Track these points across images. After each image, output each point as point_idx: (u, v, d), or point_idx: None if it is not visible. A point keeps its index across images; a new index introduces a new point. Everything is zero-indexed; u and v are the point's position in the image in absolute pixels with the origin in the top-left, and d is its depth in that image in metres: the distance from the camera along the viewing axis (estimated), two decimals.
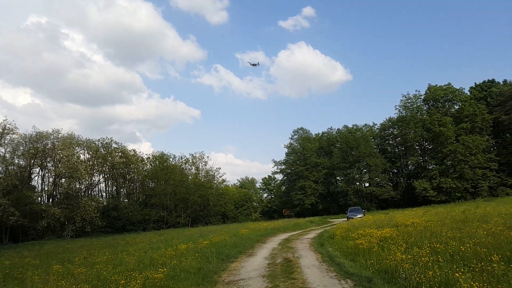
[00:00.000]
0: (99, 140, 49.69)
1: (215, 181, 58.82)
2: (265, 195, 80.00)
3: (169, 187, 50.12)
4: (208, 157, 66.35)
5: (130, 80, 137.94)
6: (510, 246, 6.82)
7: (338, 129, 61.27)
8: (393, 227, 12.28)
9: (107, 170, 49.92)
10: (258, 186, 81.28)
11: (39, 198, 41.22)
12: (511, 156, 45.17)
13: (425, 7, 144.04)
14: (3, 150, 36.58)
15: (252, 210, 70.13)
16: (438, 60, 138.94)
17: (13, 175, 35.90)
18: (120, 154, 49.60)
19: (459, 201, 40.75)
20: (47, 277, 8.14)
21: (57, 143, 39.89)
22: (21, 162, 39.06)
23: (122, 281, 6.74)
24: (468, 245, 7.11)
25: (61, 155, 38.67)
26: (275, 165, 63.78)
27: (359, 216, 26.72)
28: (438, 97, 50.37)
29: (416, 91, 52.14)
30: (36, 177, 42.52)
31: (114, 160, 47.39)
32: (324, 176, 56.25)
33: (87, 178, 43.73)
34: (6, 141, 36.30)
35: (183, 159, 58.28)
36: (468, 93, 51.87)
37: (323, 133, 64.17)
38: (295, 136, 62.39)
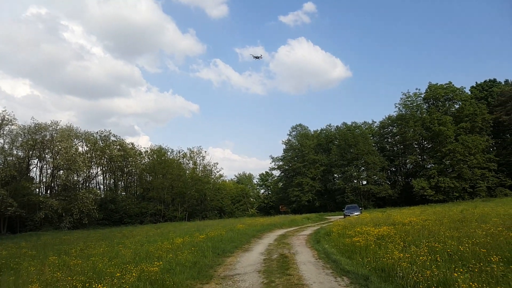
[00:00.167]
0: (97, 132, 49.54)
1: (213, 176, 58.82)
2: (262, 191, 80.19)
3: (166, 181, 50.12)
4: (205, 151, 66.25)
5: (129, 73, 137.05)
6: (509, 247, 6.77)
7: (337, 126, 61.20)
8: (390, 225, 12.25)
9: (105, 162, 49.82)
10: (255, 182, 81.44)
11: (37, 190, 41.19)
12: (511, 156, 45.22)
13: (427, 5, 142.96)
14: (1, 141, 36.53)
15: (249, 205, 70.32)
16: (439, 58, 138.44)
17: (11, 166, 35.82)
18: (118, 147, 49.45)
19: (457, 201, 40.88)
20: (42, 268, 8.08)
21: (55, 135, 39.72)
22: (20, 153, 38.96)
23: (118, 274, 6.68)
24: (466, 245, 7.06)
25: (60, 147, 38.51)
26: (272, 161, 63.89)
27: (356, 213, 26.75)
28: (438, 96, 50.19)
29: (416, 89, 52.13)
30: (34, 169, 42.53)
31: (112, 153, 47.26)
32: (322, 173, 56.29)
33: (85, 170, 43.65)
34: (4, 132, 36.21)
35: (181, 154, 58.22)
36: (469, 93, 51.71)
37: (321, 130, 64.10)
38: (293, 133, 62.35)
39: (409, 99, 51.60)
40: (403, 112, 51.49)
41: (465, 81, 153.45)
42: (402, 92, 60.51)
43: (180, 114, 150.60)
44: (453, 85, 50.52)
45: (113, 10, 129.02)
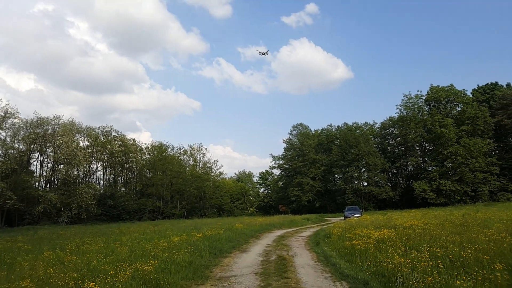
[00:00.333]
0: (99, 128, 49.55)
1: (212, 174, 58.74)
2: (262, 189, 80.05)
3: (166, 178, 50.02)
4: (206, 149, 65.87)
5: (132, 70, 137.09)
6: None
7: (338, 126, 60.98)
8: (391, 228, 12.07)
9: (105, 158, 49.74)
10: (255, 181, 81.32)
11: (37, 183, 41.16)
12: None
13: (430, 7, 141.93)
14: (3, 134, 36.44)
15: (248, 204, 70.20)
16: (441, 61, 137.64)
17: (12, 159, 35.80)
18: (119, 142, 49.39)
19: (459, 204, 40.58)
20: (36, 263, 7.95)
21: (57, 129, 39.65)
22: (21, 147, 38.92)
23: (111, 272, 6.54)
24: (469, 251, 6.86)
25: (61, 141, 38.47)
26: (273, 160, 63.76)
27: (356, 215, 26.54)
28: (440, 98, 49.82)
29: (418, 91, 51.58)
30: (35, 162, 42.48)
31: (113, 149, 47.20)
32: (322, 173, 56.04)
33: (85, 165, 43.61)
34: (7, 125, 36.16)
35: (181, 150, 58.16)
36: (471, 95, 51.29)
37: (322, 129, 63.84)
38: (294, 132, 62.15)
39: (410, 100, 51.28)
40: (405, 113, 51.18)
41: (467, 84, 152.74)
42: (403, 94, 60.40)
43: (182, 111, 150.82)
44: (455, 87, 50.16)
45: (119, 8, 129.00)
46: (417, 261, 6.51)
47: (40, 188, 40.29)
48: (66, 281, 6.00)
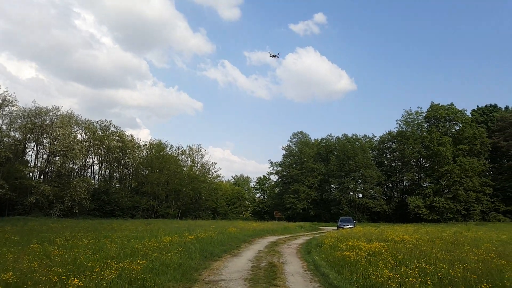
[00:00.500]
0: (97, 121, 49.31)
1: (210, 176, 58.51)
2: (258, 195, 79.84)
3: (162, 177, 49.78)
4: (205, 150, 65.29)
5: (136, 66, 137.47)
6: (501, 275, 6.61)
7: (338, 137, 61.26)
8: (382, 241, 12.07)
9: (102, 152, 49.49)
10: (252, 185, 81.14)
11: (31, 174, 40.85)
12: (507, 182, 45.20)
13: (438, 26, 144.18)
14: (0, 121, 36.17)
15: (243, 208, 69.89)
16: (443, 80, 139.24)
17: (7, 147, 35.46)
18: (117, 138, 49.19)
19: (451, 222, 40.73)
20: (21, 255, 7.85)
21: (55, 120, 39.42)
22: (17, 135, 38.61)
23: (97, 269, 6.48)
24: (458, 269, 6.90)
25: (58, 133, 38.19)
26: (271, 166, 63.72)
27: (349, 226, 26.56)
28: (439, 116, 50.34)
29: (418, 107, 52.26)
30: (30, 152, 42.17)
31: (111, 144, 46.97)
32: (319, 182, 56.11)
33: (81, 158, 43.33)
34: (4, 113, 35.88)
35: (180, 150, 57.97)
36: (470, 116, 51.91)
37: (322, 139, 64.12)
38: (294, 139, 62.35)
39: (410, 116, 51.74)
40: (404, 129, 51.59)
41: (467, 104, 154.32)
42: (404, 109, 60.83)
43: (183, 111, 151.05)
44: (455, 106, 50.80)
45: (127, 3, 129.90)
46: (406, 277, 6.53)
47: (33, 178, 39.95)
48: (50, 276, 5.89)
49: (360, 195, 53.13)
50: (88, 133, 46.69)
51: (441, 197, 43.93)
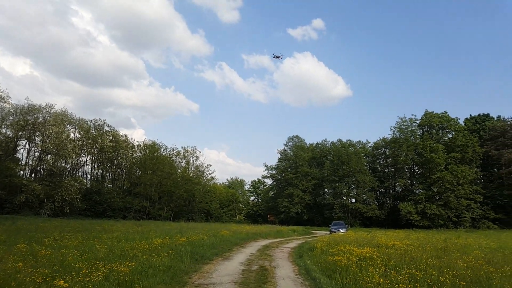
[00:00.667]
0: (91, 120, 48.71)
1: (204, 178, 58.15)
2: (252, 198, 79.60)
3: (155, 178, 49.31)
4: (200, 152, 64.98)
5: (132, 65, 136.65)
6: (489, 282, 6.69)
7: (332, 142, 61.61)
8: (373, 247, 12.13)
9: (95, 152, 48.86)
10: (246, 188, 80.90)
11: (21, 172, 40.03)
12: (497, 190, 45.95)
13: (433, 35, 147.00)
14: None
15: (237, 211, 69.58)
16: (437, 88, 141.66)
17: None
18: (110, 137, 48.63)
19: (441, 228, 41.12)
20: (6, 255, 7.66)
21: (48, 118, 38.87)
22: (9, 133, 37.97)
23: (84, 270, 6.35)
24: (447, 276, 6.95)
25: (51, 131, 37.64)
26: (266, 169, 63.77)
27: (342, 231, 26.64)
28: (433, 123, 51.07)
29: (412, 115, 52.83)
30: (22, 150, 41.45)
31: (104, 143, 46.41)
32: (313, 187, 56.29)
33: (73, 157, 42.65)
34: None
35: (174, 151, 57.53)
36: (463, 124, 52.77)
37: (317, 143, 64.46)
38: (289, 143, 62.58)
39: (404, 123, 52.37)
40: (398, 135, 52.17)
41: (460, 112, 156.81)
42: (398, 116, 61.60)
43: (179, 112, 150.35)
44: (448, 115, 51.58)
45: (125, 2, 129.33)
46: (396, 283, 6.55)
47: (24, 177, 39.19)
48: (34, 277, 5.74)
49: (353, 200, 53.39)
50: (81, 132, 46.07)
51: (433, 204, 44.41)
